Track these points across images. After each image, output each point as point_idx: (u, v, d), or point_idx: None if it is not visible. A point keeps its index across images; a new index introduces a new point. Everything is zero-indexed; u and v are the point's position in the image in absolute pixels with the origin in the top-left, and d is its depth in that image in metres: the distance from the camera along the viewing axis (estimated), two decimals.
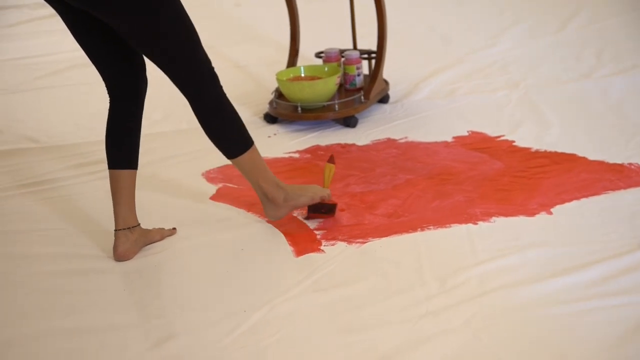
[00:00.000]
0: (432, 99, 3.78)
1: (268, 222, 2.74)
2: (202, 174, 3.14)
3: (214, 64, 4.35)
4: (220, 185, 3.05)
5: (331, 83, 3.48)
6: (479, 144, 3.24)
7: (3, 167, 3.33)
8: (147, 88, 2.59)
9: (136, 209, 2.71)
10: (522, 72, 4.01)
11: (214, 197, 2.96)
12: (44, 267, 2.57)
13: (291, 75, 3.62)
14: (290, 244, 2.60)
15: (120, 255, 2.56)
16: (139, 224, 2.61)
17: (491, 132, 3.35)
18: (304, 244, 2.59)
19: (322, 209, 2.72)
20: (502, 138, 3.29)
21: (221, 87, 2.53)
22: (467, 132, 3.37)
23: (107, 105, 3.36)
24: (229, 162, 3.14)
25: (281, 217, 2.69)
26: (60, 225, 2.82)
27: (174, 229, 2.72)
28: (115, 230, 2.57)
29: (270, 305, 2.27)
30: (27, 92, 4.19)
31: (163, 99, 3.88)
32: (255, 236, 2.68)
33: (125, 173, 2.57)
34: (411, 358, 2.05)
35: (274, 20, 4.56)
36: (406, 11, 4.72)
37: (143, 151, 3.31)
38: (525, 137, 3.27)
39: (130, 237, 2.57)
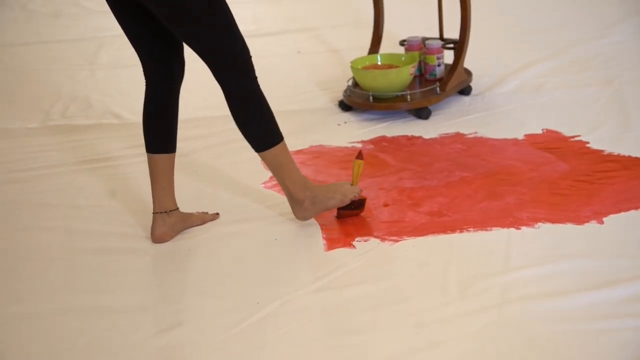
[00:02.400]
0: (516, 93, 3.63)
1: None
2: (261, 161, 3.12)
3: (311, 49, 4.43)
4: None
5: (405, 73, 3.41)
6: (549, 144, 3.10)
7: (76, 142, 3.43)
8: (184, 72, 2.59)
9: (186, 193, 2.75)
10: (621, 69, 3.80)
11: (267, 184, 2.95)
12: (83, 243, 2.63)
13: (367, 63, 3.56)
14: (324, 238, 2.56)
15: (156, 237, 2.59)
16: (177, 208, 2.63)
17: (567, 131, 3.19)
18: (337, 238, 2.55)
19: (351, 206, 2.64)
20: (576, 138, 3.13)
21: (255, 78, 2.49)
22: (542, 130, 3.22)
23: (191, 86, 3.40)
24: (290, 149, 3.17)
25: (309, 219, 2.62)
26: (109, 203, 2.89)
27: (217, 214, 2.73)
28: (153, 213, 2.61)
29: (283, 300, 2.26)
30: (128, 68, 4.29)
31: None
32: (293, 227, 2.65)
33: (161, 157, 2.58)
34: None
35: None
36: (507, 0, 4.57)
37: (201, 134, 3.38)
38: (602, 139, 3.10)
39: (168, 221, 2.60)
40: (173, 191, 2.63)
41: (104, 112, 3.75)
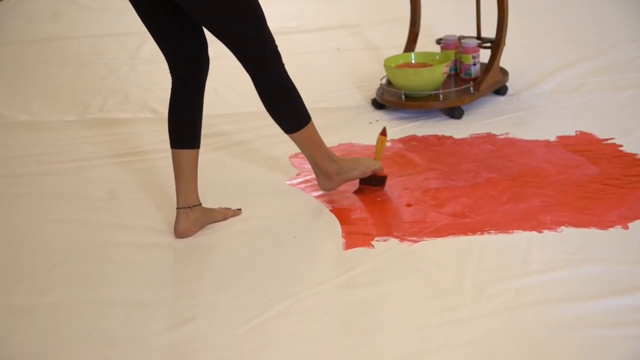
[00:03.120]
0: (553, 94, 3.58)
1: (332, 210, 2.71)
2: (290, 157, 3.13)
3: (351, 46, 4.43)
4: (303, 169, 3.03)
5: (437, 72, 3.38)
6: (581, 146, 3.05)
7: (111, 135, 3.48)
8: (208, 68, 2.61)
9: (211, 187, 2.78)
10: None
11: (292, 182, 2.96)
12: (107, 236, 2.67)
13: (401, 61, 3.54)
14: (343, 237, 2.56)
15: (179, 233, 2.62)
16: (200, 204, 2.66)
17: (601, 133, 3.14)
18: (356, 237, 2.55)
19: (372, 181, 2.76)
20: (610, 141, 3.07)
21: (283, 65, 2.56)
22: (575, 132, 3.17)
23: (226, 81, 3.43)
24: None
25: (333, 189, 2.76)
26: (139, 197, 2.92)
27: (239, 210, 2.75)
28: (177, 208, 2.63)
29: (296, 298, 2.26)
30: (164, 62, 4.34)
31: None
32: (314, 225, 2.66)
33: (185, 153, 2.61)
34: None
35: (424, 1, 4.44)
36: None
37: (231, 130, 3.40)
38: (636, 142, 3.04)
39: (191, 216, 2.62)
40: (196, 187, 2.65)
41: (140, 107, 3.79)
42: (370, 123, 3.44)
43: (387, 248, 2.48)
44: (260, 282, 2.37)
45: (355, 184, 2.84)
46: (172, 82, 2.61)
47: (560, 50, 4.03)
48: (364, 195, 2.79)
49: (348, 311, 2.21)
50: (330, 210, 2.72)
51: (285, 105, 2.60)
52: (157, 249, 2.59)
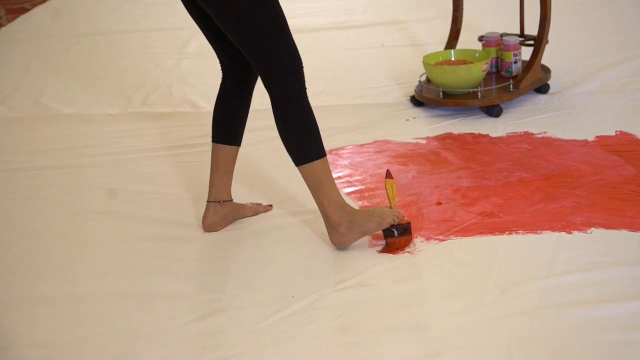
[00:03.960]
0: (596, 93, 3.53)
1: (361, 207, 2.71)
2: (330, 151, 3.13)
3: (396, 42, 4.41)
4: (335, 166, 3.04)
5: (476, 69, 3.36)
6: (620, 146, 3.01)
7: (152, 129, 3.52)
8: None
9: (243, 182, 2.81)
10: None
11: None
12: (139, 229, 2.71)
13: (440, 58, 3.53)
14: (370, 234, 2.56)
15: (207, 226, 2.65)
16: (231, 200, 2.67)
17: None
18: (383, 234, 2.54)
19: (395, 232, 2.44)
20: None
21: (304, 85, 2.39)
22: (615, 132, 3.12)
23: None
24: (356, 143, 3.19)
25: (345, 245, 2.45)
26: (174, 191, 2.96)
27: (270, 206, 2.76)
28: (207, 201, 2.66)
29: (318, 295, 2.27)
30: (212, 58, 4.36)
31: (326, 75, 3.96)
32: None
33: (224, 148, 2.60)
34: None
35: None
36: None
37: (267, 126, 3.39)
38: None
39: (220, 211, 2.64)
40: (230, 183, 2.66)
41: (182, 101, 3.84)
42: (408, 120, 3.43)
43: (412, 246, 2.47)
44: (283, 278, 2.38)
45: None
46: (222, 79, 2.61)
47: (607, 48, 3.97)
48: (389, 250, 2.45)
49: (369, 309, 2.21)
50: (360, 207, 2.72)
51: (293, 130, 2.39)
52: (186, 242, 2.62)
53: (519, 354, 1.99)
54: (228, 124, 2.61)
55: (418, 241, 2.50)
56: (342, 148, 3.19)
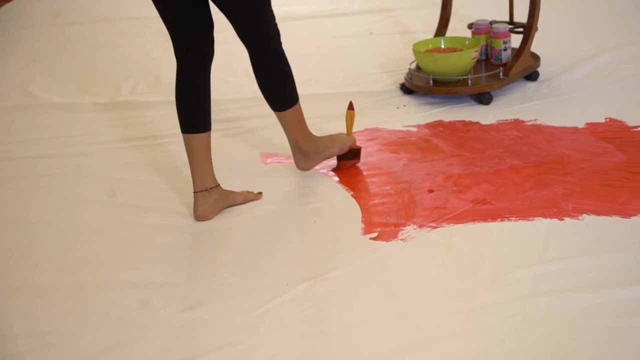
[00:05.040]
0: (585, 81, 3.53)
1: (353, 195, 2.71)
2: None
3: (385, 30, 4.41)
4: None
5: (466, 57, 3.36)
6: (610, 133, 3.02)
7: (142, 118, 3.51)
8: (214, 51, 2.63)
9: (236, 171, 2.81)
10: None
11: (317, 168, 2.96)
12: (130, 218, 2.70)
13: (430, 46, 3.52)
14: (362, 222, 2.56)
15: (199, 215, 2.64)
16: (217, 185, 2.68)
17: (631, 120, 3.10)
18: (375, 222, 2.55)
19: (349, 155, 2.85)
20: (639, 128, 3.03)
21: (281, 42, 2.63)
22: (605, 119, 3.13)
23: (234, 66, 3.38)
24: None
25: (311, 168, 2.83)
26: (165, 179, 2.95)
27: (260, 193, 2.76)
28: (194, 192, 2.66)
29: (311, 282, 2.27)
30: None
31: (314, 63, 3.95)
32: (334, 210, 2.66)
33: (197, 137, 2.62)
34: (424, 355, 1.98)
35: None
36: None
37: (257, 114, 3.39)
38: None
39: (209, 199, 2.64)
40: (211, 169, 2.67)
41: (170, 89, 3.77)
42: (398, 108, 3.43)
43: (405, 234, 2.48)
44: (276, 266, 2.38)
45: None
46: (178, 66, 2.64)
47: (595, 36, 3.97)
48: (342, 172, 2.87)
49: (363, 296, 2.21)
50: (352, 196, 2.72)
51: (280, 82, 2.66)
52: (177, 231, 2.62)
53: (514, 340, 2.00)
54: (195, 112, 2.65)
55: (411, 228, 2.50)
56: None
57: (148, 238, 2.59)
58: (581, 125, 3.10)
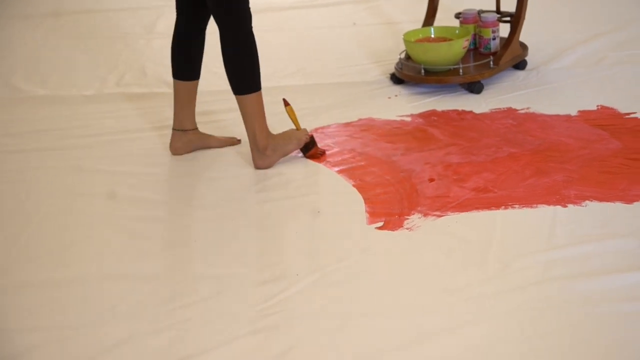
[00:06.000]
0: (573, 69, 3.57)
1: (355, 185, 2.71)
2: (310, 132, 3.12)
3: (367, 21, 4.40)
4: (322, 143, 3.03)
5: (457, 46, 3.37)
6: (603, 120, 3.04)
7: (130, 110, 3.48)
8: (210, 13, 2.82)
9: (238, 163, 2.84)
10: None
11: (309, 156, 2.95)
12: (129, 210, 2.67)
13: (420, 36, 3.53)
14: (367, 211, 2.56)
15: (173, 150, 2.98)
16: (194, 128, 2.98)
17: (623, 108, 3.13)
18: (379, 211, 2.55)
19: (309, 146, 2.92)
20: (631, 115, 3.06)
21: (252, 26, 2.74)
22: (597, 106, 3.16)
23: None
24: (340, 121, 3.18)
25: (270, 166, 2.86)
26: (161, 171, 2.94)
27: (239, 140, 3.04)
28: (172, 129, 2.98)
29: (321, 273, 2.26)
30: None
31: (301, 54, 3.94)
32: (337, 200, 2.66)
33: (184, 83, 2.92)
34: (438, 345, 1.98)
35: None
36: None
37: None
38: None
39: (183, 138, 2.96)
40: (193, 113, 2.97)
41: (157, 81, 3.79)
42: (389, 98, 3.43)
43: (410, 223, 2.48)
44: (284, 257, 2.37)
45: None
46: (177, 20, 2.91)
47: (579, 25, 4.00)
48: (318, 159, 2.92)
49: (375, 286, 2.21)
50: (353, 186, 2.72)
51: (247, 64, 2.74)
52: (181, 222, 2.61)
53: (529, 326, 2.01)
54: (186, 61, 2.93)
55: (416, 217, 2.51)
56: (327, 127, 3.18)
57: (149, 229, 2.56)
58: (573, 113, 3.13)
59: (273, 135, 2.85)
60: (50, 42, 4.42)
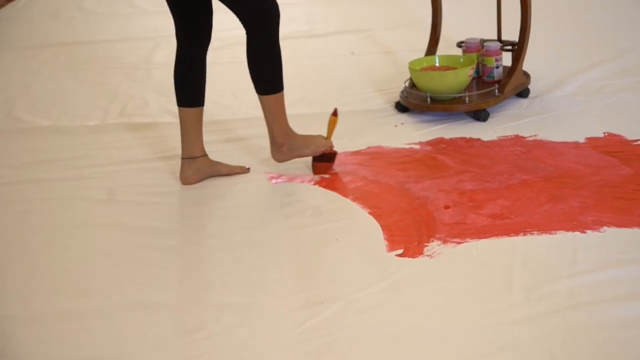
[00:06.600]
0: (575, 96, 3.60)
1: (371, 213, 2.71)
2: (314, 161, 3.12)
3: (365, 50, 4.42)
4: (333, 172, 3.03)
5: (463, 75, 3.39)
6: (611, 147, 3.07)
7: (136, 140, 3.46)
8: (211, 37, 2.91)
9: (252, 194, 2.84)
10: None
11: (321, 183, 2.95)
12: (143, 239, 2.65)
13: (425, 64, 3.55)
14: (385, 239, 2.56)
15: (183, 179, 2.97)
16: (203, 155, 2.97)
17: (629, 134, 3.15)
18: (399, 239, 2.55)
19: (324, 157, 2.98)
20: (639, 142, 3.09)
21: (279, 28, 2.80)
22: (603, 133, 3.19)
23: (243, 79, 3.38)
24: (348, 150, 3.18)
25: (284, 161, 2.98)
26: (171, 200, 2.92)
27: (248, 168, 3.04)
28: (181, 158, 2.98)
29: (347, 300, 2.26)
30: None
31: (301, 83, 3.95)
32: (353, 228, 2.66)
33: (189, 110, 2.94)
34: None
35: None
36: (565, 2, 4.51)
37: (250, 134, 3.38)
38: None
39: (192, 166, 2.95)
40: (201, 140, 2.97)
41: (161, 111, 3.77)
42: (396, 126, 3.44)
43: (431, 250, 2.48)
44: (307, 285, 2.36)
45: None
46: (177, 48, 2.93)
47: (577, 53, 4.04)
48: (319, 173, 2.99)
49: (403, 313, 2.20)
50: (369, 213, 2.72)
51: (271, 65, 2.82)
52: (196, 252, 2.59)
53: (561, 351, 2.01)
54: (190, 88, 2.95)
55: (435, 244, 2.51)
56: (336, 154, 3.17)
57: (167, 260, 2.55)
58: (581, 140, 3.15)
59: (295, 135, 2.93)
60: (47, 73, 4.41)
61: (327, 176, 2.98)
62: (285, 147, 2.92)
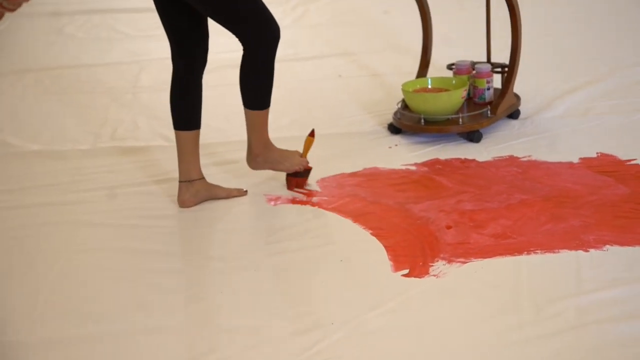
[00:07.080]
0: (565, 117, 3.63)
1: (373, 234, 2.71)
2: (317, 182, 3.13)
3: (352, 73, 4.44)
4: (332, 193, 3.04)
5: (456, 96, 3.42)
6: (605, 167, 3.10)
7: (129, 164, 3.43)
8: (207, 59, 2.94)
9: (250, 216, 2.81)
10: None
11: (320, 204, 2.95)
12: (144, 263, 2.64)
13: (417, 86, 3.57)
14: (390, 259, 2.56)
15: (181, 203, 2.96)
16: (200, 178, 2.97)
17: (622, 155, 3.19)
18: (403, 259, 2.55)
19: (298, 173, 3.04)
20: (632, 162, 3.12)
21: (276, 48, 2.85)
22: (596, 153, 3.22)
23: (234, 102, 3.39)
24: (345, 171, 3.18)
25: (257, 170, 3.04)
26: (170, 223, 2.91)
27: (245, 191, 3.04)
28: (179, 181, 2.97)
29: (357, 321, 2.25)
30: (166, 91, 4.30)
31: (291, 107, 3.95)
32: (357, 248, 2.66)
33: (185, 133, 2.94)
34: None
35: (419, 29, 4.44)
36: (549, 25, 4.57)
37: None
38: None
39: (190, 189, 2.95)
40: (198, 163, 2.97)
41: (152, 135, 3.76)
42: (390, 147, 3.45)
43: (436, 270, 2.48)
44: (316, 306, 2.36)
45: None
46: (173, 71, 2.93)
47: (561, 75, 4.07)
48: (293, 188, 3.05)
49: (413, 334, 2.20)
50: (372, 234, 2.72)
51: (265, 83, 2.87)
52: (201, 275, 2.58)
53: None
54: (186, 111, 2.95)
55: (440, 264, 2.51)
56: (333, 176, 3.18)
57: (172, 283, 2.53)
58: (575, 160, 3.18)
59: (274, 148, 2.99)
60: (32, 98, 4.38)
61: (303, 191, 3.05)
62: (261, 158, 2.98)
